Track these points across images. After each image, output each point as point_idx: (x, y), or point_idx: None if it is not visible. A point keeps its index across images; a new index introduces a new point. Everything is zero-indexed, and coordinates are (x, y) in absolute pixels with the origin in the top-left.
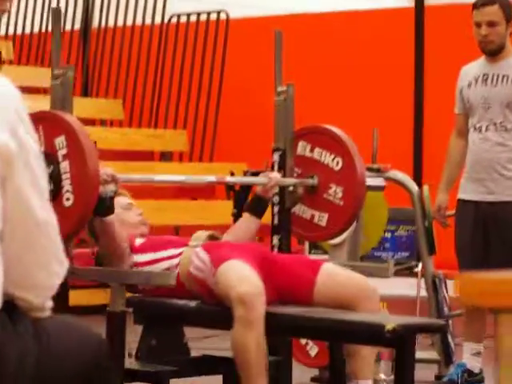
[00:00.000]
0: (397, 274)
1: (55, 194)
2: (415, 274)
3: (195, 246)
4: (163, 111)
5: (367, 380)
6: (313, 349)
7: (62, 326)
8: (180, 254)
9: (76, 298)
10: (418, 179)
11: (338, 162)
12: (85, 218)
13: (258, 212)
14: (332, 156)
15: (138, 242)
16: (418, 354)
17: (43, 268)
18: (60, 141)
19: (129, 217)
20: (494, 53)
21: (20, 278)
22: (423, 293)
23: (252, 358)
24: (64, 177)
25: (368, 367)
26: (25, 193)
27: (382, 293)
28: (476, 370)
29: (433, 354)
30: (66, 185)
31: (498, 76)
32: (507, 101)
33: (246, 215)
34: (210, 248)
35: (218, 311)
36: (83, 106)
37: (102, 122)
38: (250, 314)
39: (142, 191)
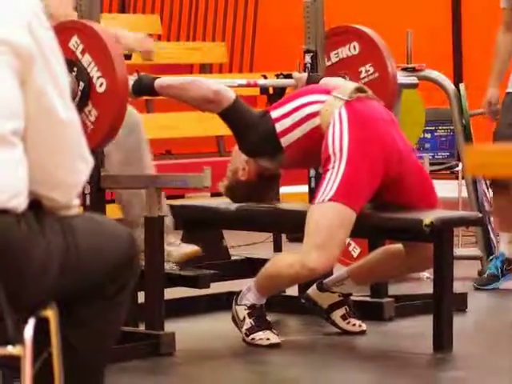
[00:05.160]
0: (438, 176)
1: (88, 87)
2: (456, 176)
3: (339, 98)
4: (201, 24)
5: None
6: (355, 249)
7: (90, 224)
8: (323, 101)
9: (113, 211)
10: (458, 80)
11: (354, 47)
12: (123, 94)
13: None
14: (348, 45)
15: None
16: (461, 251)
17: (68, 166)
18: (74, 41)
19: None
20: None
21: (45, 177)
22: (465, 194)
23: None
24: (89, 68)
25: None
26: (46, 93)
27: None
28: None
29: (476, 251)
30: (94, 72)
31: None
32: None
33: None
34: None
35: (258, 214)
36: (121, 23)
37: None
38: None
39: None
